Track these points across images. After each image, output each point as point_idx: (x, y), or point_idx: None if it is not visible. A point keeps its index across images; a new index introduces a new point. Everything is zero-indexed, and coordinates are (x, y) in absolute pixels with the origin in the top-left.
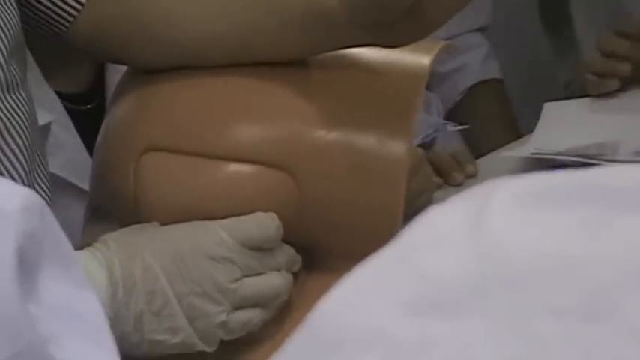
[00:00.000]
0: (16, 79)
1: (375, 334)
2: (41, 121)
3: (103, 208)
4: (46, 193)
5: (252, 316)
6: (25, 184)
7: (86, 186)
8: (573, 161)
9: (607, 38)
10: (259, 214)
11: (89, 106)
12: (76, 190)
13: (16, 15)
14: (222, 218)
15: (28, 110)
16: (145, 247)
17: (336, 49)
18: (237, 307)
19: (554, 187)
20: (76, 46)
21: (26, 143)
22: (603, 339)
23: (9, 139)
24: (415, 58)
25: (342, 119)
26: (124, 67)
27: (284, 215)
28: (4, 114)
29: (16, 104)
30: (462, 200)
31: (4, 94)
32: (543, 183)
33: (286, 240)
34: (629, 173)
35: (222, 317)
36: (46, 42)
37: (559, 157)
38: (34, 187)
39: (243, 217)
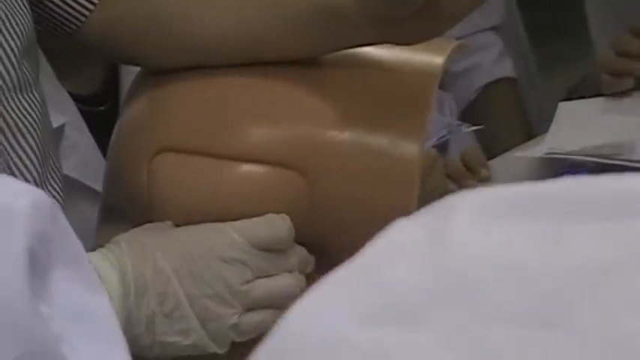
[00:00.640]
0: (28, 80)
1: (334, 345)
2: (55, 123)
3: (116, 209)
4: (59, 194)
5: (264, 318)
6: (37, 185)
7: (100, 187)
8: (587, 161)
9: (622, 38)
10: (271, 216)
11: (102, 108)
12: (90, 192)
13: (28, 15)
14: (235, 218)
15: (40, 111)
16: (156, 249)
17: (345, 47)
18: (249, 309)
19: (516, 198)
20: (88, 44)
21: (38, 144)
22: (557, 345)
23: (21, 139)
24: (428, 57)
25: (355, 119)
26: (138, 69)
27: (296, 216)
28: (16, 114)
29: (29, 105)
30: (426, 212)
31: (16, 94)
32: (506, 195)
33: (298, 241)
34: (591, 185)
35: (234, 319)
36: (60, 43)
37: (573, 156)
38: (46, 188)
39: (255, 219)
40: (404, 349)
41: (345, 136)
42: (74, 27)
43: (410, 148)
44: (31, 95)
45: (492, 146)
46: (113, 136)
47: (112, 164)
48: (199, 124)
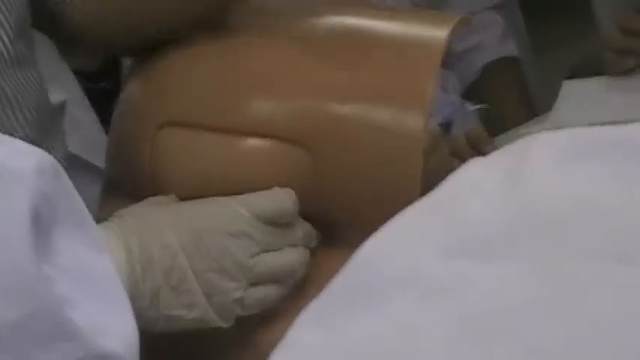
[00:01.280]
0: (25, 57)
1: (411, 276)
2: (57, 99)
3: (119, 184)
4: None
5: (269, 292)
6: None
7: (102, 163)
8: None
9: (627, 16)
10: (276, 189)
11: (104, 84)
12: (93, 169)
13: None
14: (238, 193)
15: (38, 89)
16: (162, 223)
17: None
18: (254, 284)
19: (591, 140)
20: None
21: (35, 119)
22: (637, 279)
23: (18, 113)
24: (431, 30)
25: (358, 93)
26: None
27: (301, 190)
28: (13, 87)
29: (26, 81)
30: (501, 154)
31: (13, 69)
32: (581, 136)
33: (303, 216)
34: None
35: (239, 293)
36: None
37: None
38: None
39: (260, 193)
40: (484, 280)
41: (348, 109)
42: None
43: (414, 122)
44: (27, 72)
45: (495, 126)
46: (115, 111)
47: (115, 139)
48: (202, 98)
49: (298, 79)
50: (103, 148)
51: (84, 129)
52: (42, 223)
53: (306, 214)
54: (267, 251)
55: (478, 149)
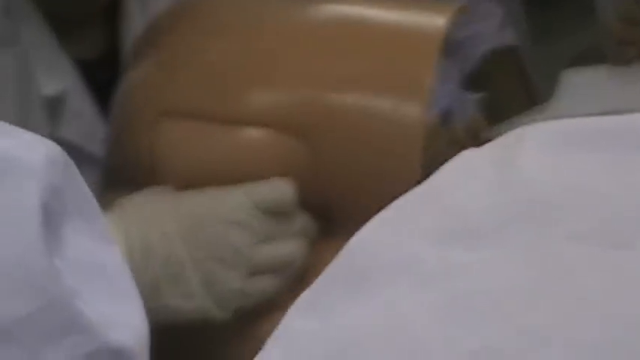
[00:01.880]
0: (5, 36)
1: (404, 263)
2: (56, 89)
3: (118, 173)
4: None
5: (268, 283)
6: None
7: (101, 153)
8: None
9: (627, 5)
10: (276, 179)
11: (103, 74)
12: (92, 158)
13: None
14: (236, 182)
15: (17, 72)
16: (162, 212)
17: None
18: (253, 274)
19: (582, 130)
20: None
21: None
22: (629, 264)
23: None
24: (430, 20)
25: (356, 83)
26: (138, 33)
27: (299, 180)
28: None
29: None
30: (494, 144)
31: None
32: (572, 126)
33: (301, 206)
34: None
35: (238, 283)
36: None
37: None
38: None
39: (260, 182)
40: (474, 265)
41: (347, 99)
42: None
43: (413, 112)
44: (7, 54)
45: (495, 115)
46: (115, 101)
47: (115, 129)
48: (201, 89)
49: (297, 69)
50: (101, 138)
51: (83, 118)
52: (51, 216)
53: (304, 205)
54: (266, 241)
55: (477, 139)
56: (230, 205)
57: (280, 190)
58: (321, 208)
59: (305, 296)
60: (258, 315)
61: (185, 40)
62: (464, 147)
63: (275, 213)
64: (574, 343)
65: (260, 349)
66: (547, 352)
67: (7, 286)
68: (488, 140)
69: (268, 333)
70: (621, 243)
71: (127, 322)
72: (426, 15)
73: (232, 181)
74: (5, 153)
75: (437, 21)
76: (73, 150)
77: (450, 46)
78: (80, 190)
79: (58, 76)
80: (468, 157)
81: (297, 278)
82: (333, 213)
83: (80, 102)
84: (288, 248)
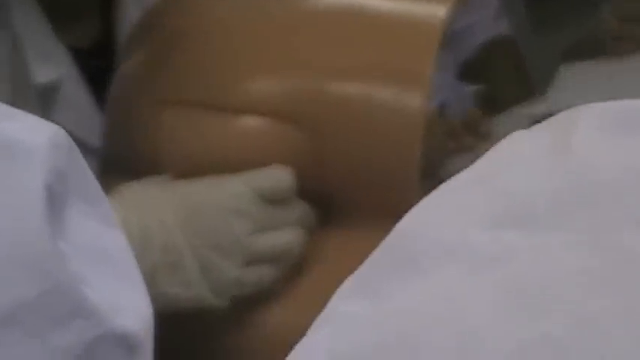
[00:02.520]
0: None
1: (456, 247)
2: (49, 76)
3: (116, 161)
4: None
5: (265, 272)
6: None
7: (96, 141)
8: None
9: (624, 1)
10: (274, 167)
11: (98, 61)
12: (87, 147)
13: None
14: (237, 170)
15: (8, 57)
16: (161, 200)
17: None
18: (250, 263)
19: (636, 111)
20: None
21: (7, 89)
22: None
23: None
24: (430, 9)
25: (357, 72)
26: (134, 20)
27: (299, 169)
28: None
29: None
30: (547, 125)
31: None
32: (628, 108)
33: (300, 196)
34: None
35: (236, 272)
36: None
37: None
38: None
39: (259, 170)
40: (530, 250)
41: (347, 88)
42: None
43: (414, 102)
44: None
45: (491, 107)
46: (113, 89)
47: (113, 117)
48: (202, 76)
49: (298, 57)
50: (97, 127)
51: (77, 107)
52: (55, 199)
53: (303, 194)
54: (264, 230)
55: (474, 130)
56: (229, 193)
57: (279, 177)
58: (319, 197)
59: (353, 278)
60: (257, 303)
61: (182, 27)
62: (460, 138)
63: (273, 201)
64: (636, 333)
65: (259, 337)
66: (607, 342)
67: (11, 270)
68: (486, 132)
69: (267, 322)
70: None
71: (132, 306)
72: (427, 5)
73: (231, 170)
74: (9, 136)
75: (438, 11)
76: None
77: (447, 36)
78: (84, 173)
79: (52, 64)
80: (519, 139)
81: (295, 267)
82: (332, 202)
83: (75, 91)
84: (286, 237)
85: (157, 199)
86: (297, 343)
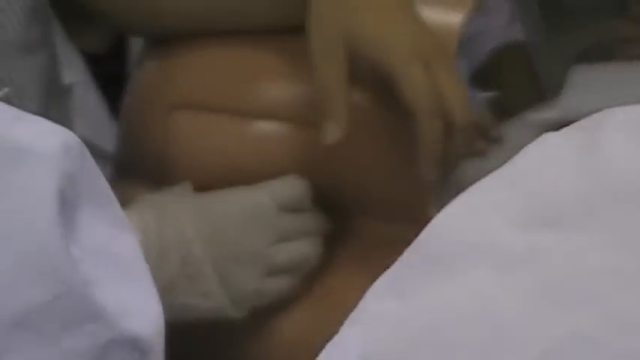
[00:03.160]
0: (37, 41)
1: (487, 247)
2: (64, 82)
3: (130, 167)
4: None
5: (285, 282)
6: None
7: (109, 147)
8: None
9: (634, 2)
10: (293, 177)
11: (111, 67)
12: (100, 152)
13: None
14: (252, 176)
15: (48, 75)
16: (182, 211)
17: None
18: (270, 274)
19: None
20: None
21: (41, 106)
22: None
23: (26, 101)
24: (445, 15)
25: (375, 79)
26: None
27: (314, 174)
28: (21, 74)
29: (34, 68)
30: (574, 128)
31: (22, 54)
32: None
33: (316, 202)
34: None
35: (256, 283)
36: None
37: None
38: None
39: (276, 180)
40: (560, 249)
41: (363, 94)
42: None
43: None
44: (38, 59)
45: (502, 112)
46: (127, 94)
47: (127, 122)
48: (216, 81)
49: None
50: (110, 132)
51: (91, 112)
52: (67, 203)
53: (318, 198)
54: (283, 240)
55: (485, 135)
56: (249, 203)
57: (297, 187)
58: (333, 203)
59: (384, 278)
60: (271, 310)
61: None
62: (471, 143)
63: (292, 210)
64: None
65: (273, 343)
66: (638, 339)
67: (24, 275)
68: (498, 137)
69: (281, 328)
70: None
71: (143, 310)
72: (443, 14)
73: (247, 175)
74: (21, 140)
75: (454, 19)
76: None
77: (460, 42)
78: (96, 178)
79: (67, 69)
80: (549, 141)
81: (310, 273)
82: (345, 208)
83: (88, 96)
84: (305, 248)
85: (178, 210)
86: (312, 350)
